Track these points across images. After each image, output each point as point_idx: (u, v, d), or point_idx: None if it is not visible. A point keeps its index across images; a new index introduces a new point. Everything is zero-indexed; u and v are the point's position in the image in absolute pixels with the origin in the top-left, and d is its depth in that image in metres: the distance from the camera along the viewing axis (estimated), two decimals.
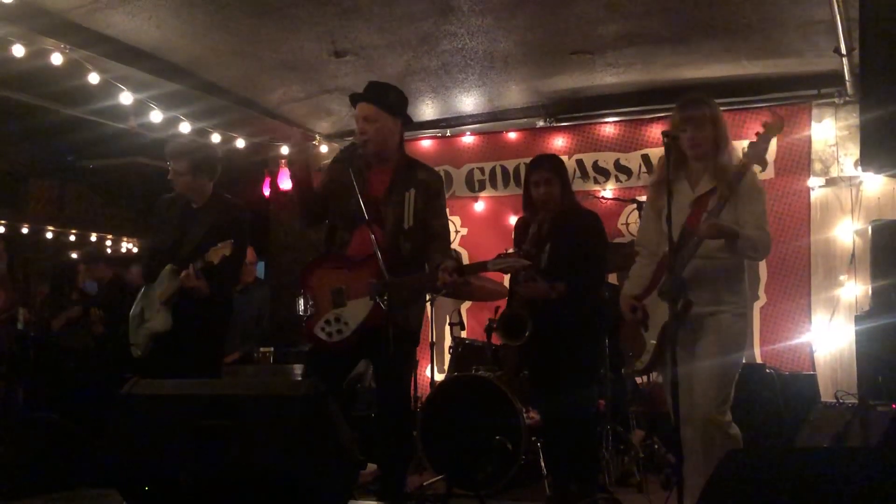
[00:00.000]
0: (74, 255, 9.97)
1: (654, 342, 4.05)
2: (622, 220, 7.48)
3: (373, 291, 4.15)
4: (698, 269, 3.88)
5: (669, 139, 3.84)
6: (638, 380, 6.45)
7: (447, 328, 7.46)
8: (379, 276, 4.07)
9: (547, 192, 4.85)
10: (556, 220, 4.86)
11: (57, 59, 6.00)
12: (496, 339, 5.95)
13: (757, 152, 3.80)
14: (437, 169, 7.69)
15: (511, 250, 4.51)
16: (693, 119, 3.94)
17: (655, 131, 7.28)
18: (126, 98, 6.66)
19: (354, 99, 4.41)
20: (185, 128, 7.32)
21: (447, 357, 6.90)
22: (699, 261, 3.86)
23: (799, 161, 7.07)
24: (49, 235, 10.00)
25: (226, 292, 5.09)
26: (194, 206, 5.13)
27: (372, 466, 5.61)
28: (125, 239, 10.77)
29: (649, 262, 4.22)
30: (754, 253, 3.93)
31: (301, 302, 4.38)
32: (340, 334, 4.21)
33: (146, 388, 3.12)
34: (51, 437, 5.44)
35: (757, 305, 7.00)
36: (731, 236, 3.79)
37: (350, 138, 4.55)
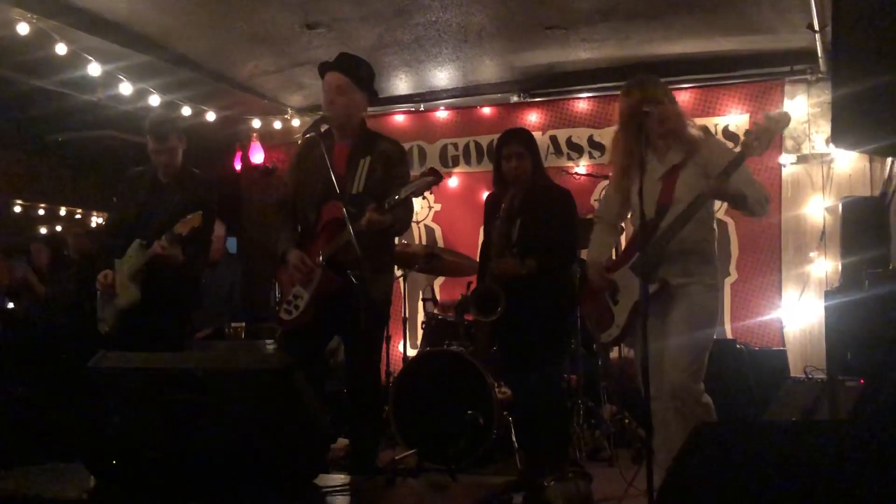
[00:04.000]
0: (44, 231, 9.89)
1: (625, 316, 4.07)
2: (595, 196, 7.47)
3: (320, 257, 4.19)
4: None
5: (646, 115, 3.84)
6: (612, 354, 6.49)
7: (420, 304, 7.45)
8: (327, 244, 4.11)
9: (518, 166, 4.83)
10: (528, 195, 4.85)
11: (23, 28, 5.88)
12: (468, 316, 5.95)
13: (760, 145, 3.73)
14: (410, 144, 7.73)
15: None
16: (654, 98, 3.94)
17: None
18: (94, 69, 6.56)
19: (326, 67, 4.36)
20: (154, 100, 7.23)
21: (420, 332, 6.90)
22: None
23: None
24: (17, 210, 9.88)
25: (196, 265, 5.03)
26: (163, 180, 5.06)
27: (343, 441, 5.61)
28: (95, 213, 10.65)
29: (609, 229, 4.27)
30: (762, 209, 3.93)
31: (274, 294, 4.41)
32: (297, 309, 4.25)
33: (114, 361, 3.08)
34: (17, 411, 5.39)
35: (728, 282, 7.05)
36: (738, 198, 3.81)
37: (322, 112, 4.50)
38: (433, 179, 4.11)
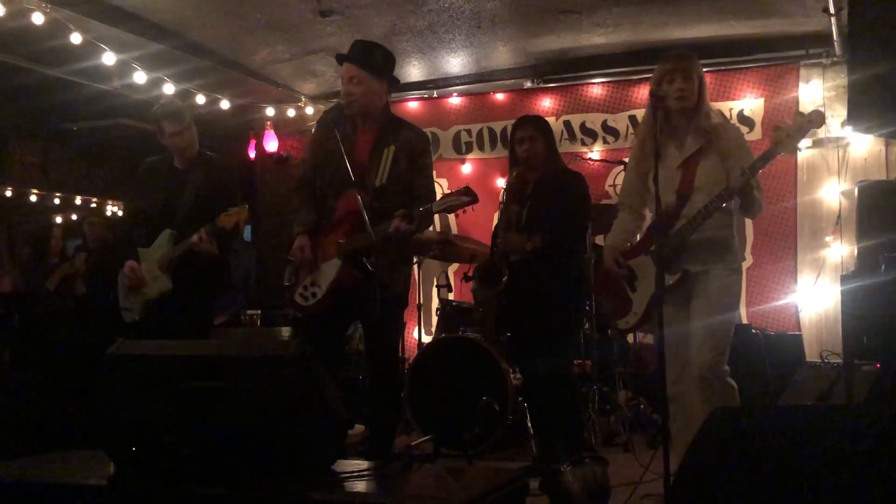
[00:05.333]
0: (59, 220, 9.92)
1: (644, 305, 4.06)
2: (609, 181, 7.46)
3: (340, 251, 4.18)
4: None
5: (657, 99, 3.84)
6: (629, 339, 6.49)
7: (434, 290, 7.46)
8: (349, 236, 4.10)
9: (530, 148, 4.87)
10: (541, 179, 4.88)
11: (38, 18, 5.90)
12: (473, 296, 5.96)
13: (791, 142, 3.72)
14: (424, 130, 7.71)
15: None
16: (683, 70, 3.93)
17: (643, 92, 7.25)
18: (109, 59, 6.58)
19: (340, 58, 4.36)
20: (169, 89, 7.25)
21: (434, 319, 6.92)
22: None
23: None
24: (33, 199, 9.93)
25: (230, 252, 5.05)
26: (179, 166, 5.05)
27: (360, 427, 5.63)
28: (110, 201, 10.69)
29: (632, 217, 4.23)
30: (756, 214, 3.97)
31: (287, 273, 4.41)
32: (314, 297, 4.26)
33: (132, 349, 3.11)
34: (36, 399, 5.43)
35: (744, 266, 7.01)
36: (752, 198, 3.80)
37: (336, 99, 4.50)
38: (469, 200, 4.07)
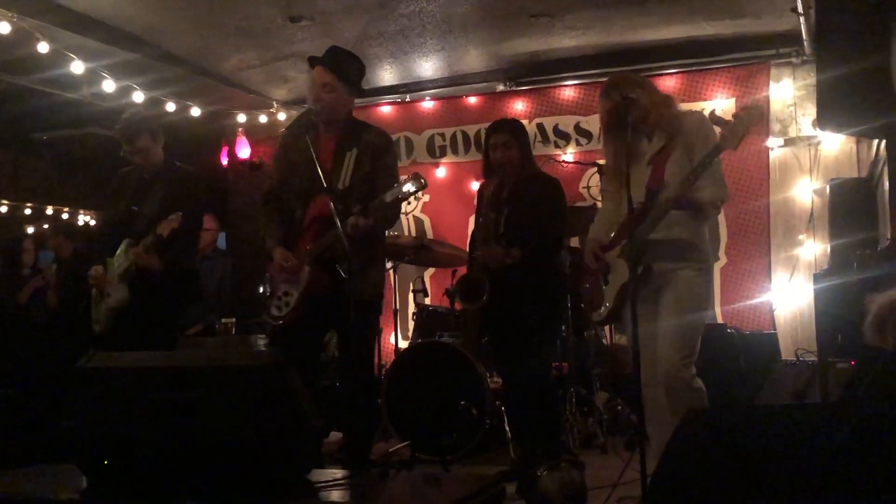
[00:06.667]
0: (31, 230, 9.83)
1: (612, 298, 4.06)
2: (583, 183, 7.48)
3: (307, 257, 4.19)
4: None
5: (630, 102, 3.83)
6: (604, 341, 6.51)
7: (410, 295, 7.45)
8: (315, 242, 4.10)
9: (504, 155, 4.84)
10: (516, 185, 4.86)
11: (4, 28, 5.84)
12: (457, 305, 5.95)
13: (734, 138, 3.70)
14: (397, 135, 7.71)
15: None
16: (632, 101, 3.92)
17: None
18: (78, 67, 6.51)
19: (315, 62, 4.34)
20: (139, 97, 7.19)
21: (411, 324, 6.90)
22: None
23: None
24: (4, 210, 9.83)
25: (183, 262, 5.01)
26: (146, 176, 5.05)
27: (336, 435, 5.61)
28: (82, 212, 10.60)
29: (615, 205, 4.17)
30: (708, 216, 3.96)
31: (263, 289, 4.40)
32: (287, 306, 4.25)
33: (104, 361, 3.07)
34: (8, 413, 5.37)
35: (717, 266, 7.05)
36: (695, 208, 3.79)
37: (307, 105, 4.50)
38: (418, 187, 4.09)
